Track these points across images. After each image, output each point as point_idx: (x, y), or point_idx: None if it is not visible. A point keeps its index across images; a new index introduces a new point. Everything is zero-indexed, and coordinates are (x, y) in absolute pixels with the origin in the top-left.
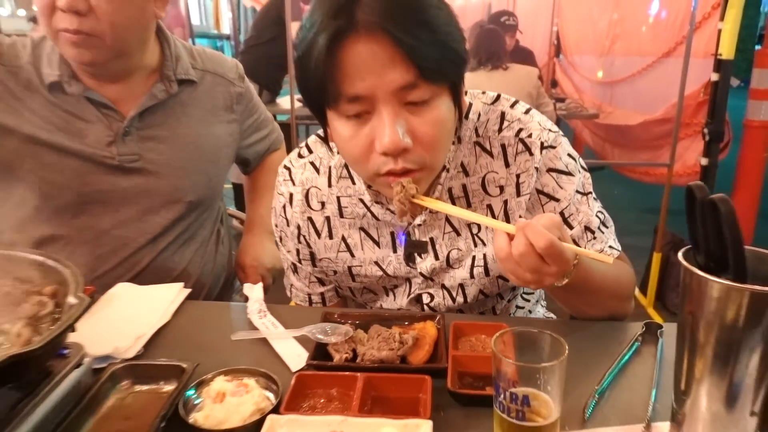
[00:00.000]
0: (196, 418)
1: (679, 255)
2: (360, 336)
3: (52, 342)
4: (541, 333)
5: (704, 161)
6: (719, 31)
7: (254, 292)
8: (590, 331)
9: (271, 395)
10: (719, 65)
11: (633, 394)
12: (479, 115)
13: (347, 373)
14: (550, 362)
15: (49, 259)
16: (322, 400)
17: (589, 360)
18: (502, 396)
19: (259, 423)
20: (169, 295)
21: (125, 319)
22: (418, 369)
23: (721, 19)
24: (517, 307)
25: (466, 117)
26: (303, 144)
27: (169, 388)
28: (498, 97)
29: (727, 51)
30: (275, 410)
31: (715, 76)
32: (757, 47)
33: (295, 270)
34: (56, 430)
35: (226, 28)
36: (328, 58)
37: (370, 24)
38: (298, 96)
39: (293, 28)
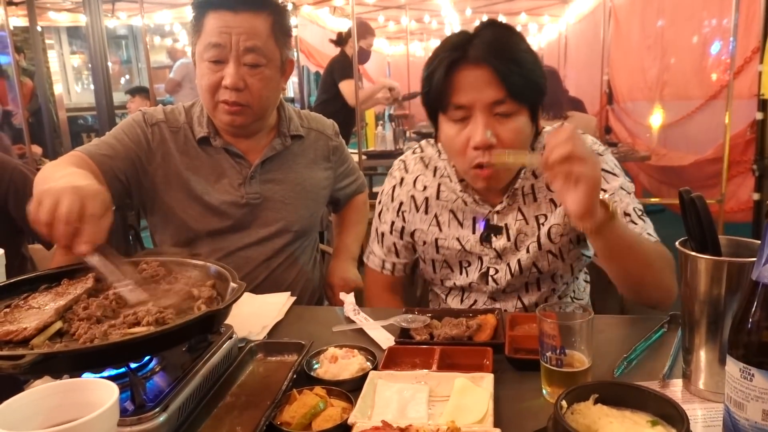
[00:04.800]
0: (317, 372)
1: (677, 243)
2: (435, 323)
3: (228, 306)
4: (574, 306)
5: (756, 196)
6: (760, 73)
7: (348, 297)
8: (627, 321)
9: (369, 364)
10: (763, 105)
11: (655, 362)
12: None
13: (426, 346)
14: (579, 320)
15: (208, 262)
16: (408, 366)
17: (624, 339)
18: (545, 349)
19: (363, 377)
20: (281, 300)
21: (252, 314)
22: (482, 343)
23: (761, 62)
24: None
25: (539, 133)
26: (417, 145)
27: (292, 359)
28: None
29: None
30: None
31: (759, 115)
32: None
33: (380, 239)
34: (217, 382)
35: (290, 92)
36: (446, 78)
37: (478, 57)
38: (363, 150)
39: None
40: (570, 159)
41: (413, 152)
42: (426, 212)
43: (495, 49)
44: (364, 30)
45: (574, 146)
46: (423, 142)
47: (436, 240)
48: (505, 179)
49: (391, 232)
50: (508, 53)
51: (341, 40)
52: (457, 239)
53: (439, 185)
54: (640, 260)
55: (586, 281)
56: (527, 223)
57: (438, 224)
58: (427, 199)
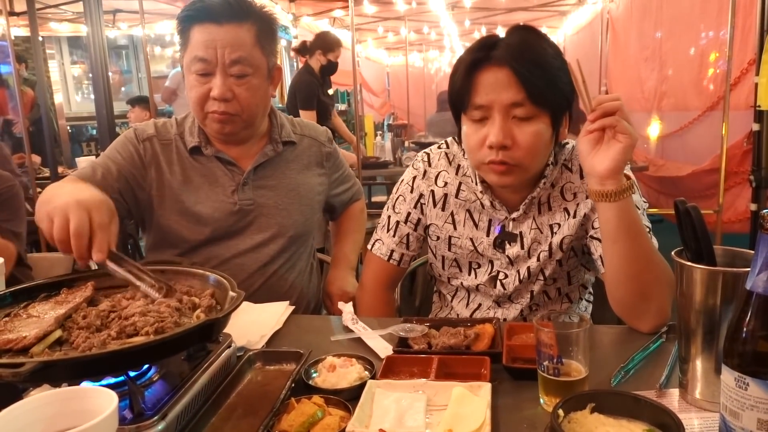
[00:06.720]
0: (315, 381)
1: (673, 253)
2: (433, 333)
3: (227, 315)
4: (570, 315)
5: (753, 207)
6: (756, 85)
7: (347, 306)
8: (625, 331)
9: (367, 373)
10: (759, 116)
11: (652, 371)
12: (571, 146)
13: (425, 355)
14: (576, 329)
15: (206, 271)
16: (406, 375)
17: (621, 349)
18: (542, 359)
19: (361, 386)
20: (280, 309)
21: (251, 323)
22: (480, 352)
23: (757, 73)
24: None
25: (562, 147)
26: (443, 141)
27: (290, 368)
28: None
29: (765, 102)
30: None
31: (756, 126)
32: None
33: (393, 229)
34: (216, 391)
35: None
36: (467, 78)
37: (499, 58)
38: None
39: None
40: (620, 113)
41: (438, 147)
42: (443, 209)
43: (518, 52)
44: (333, 43)
45: (623, 106)
46: (449, 139)
47: (450, 238)
48: (520, 177)
49: (406, 222)
50: (530, 56)
51: (305, 49)
52: (471, 239)
53: (459, 183)
54: (645, 251)
55: (588, 301)
56: (541, 232)
57: (453, 222)
58: (446, 195)
